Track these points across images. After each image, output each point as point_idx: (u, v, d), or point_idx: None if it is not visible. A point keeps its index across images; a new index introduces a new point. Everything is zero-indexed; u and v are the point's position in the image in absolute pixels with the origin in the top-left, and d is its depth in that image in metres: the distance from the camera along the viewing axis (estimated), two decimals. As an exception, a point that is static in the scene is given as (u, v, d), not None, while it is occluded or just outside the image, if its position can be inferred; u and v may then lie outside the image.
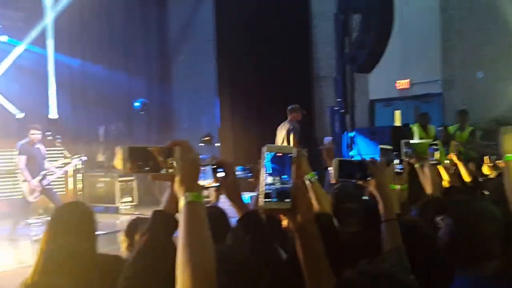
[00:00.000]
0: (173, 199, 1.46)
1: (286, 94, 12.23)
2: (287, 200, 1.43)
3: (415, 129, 9.37)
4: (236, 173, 3.77)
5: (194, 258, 1.31)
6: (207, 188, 1.99)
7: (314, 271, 1.47)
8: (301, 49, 13.02)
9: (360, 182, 2.27)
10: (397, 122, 11.95)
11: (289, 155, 1.45)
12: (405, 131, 9.37)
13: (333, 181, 3.23)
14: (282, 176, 1.44)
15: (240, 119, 11.72)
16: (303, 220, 1.44)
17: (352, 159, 2.30)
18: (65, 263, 2.13)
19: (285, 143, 9.10)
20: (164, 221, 1.52)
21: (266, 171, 1.44)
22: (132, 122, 12.68)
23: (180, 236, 1.37)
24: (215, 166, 1.95)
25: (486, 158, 5.39)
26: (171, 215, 1.51)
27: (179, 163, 1.43)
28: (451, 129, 9.54)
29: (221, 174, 1.93)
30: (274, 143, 10.77)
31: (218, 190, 2.00)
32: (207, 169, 1.97)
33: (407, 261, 1.93)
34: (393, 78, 11.87)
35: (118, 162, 1.49)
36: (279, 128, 9.54)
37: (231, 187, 1.93)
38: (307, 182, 2.82)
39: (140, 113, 12.24)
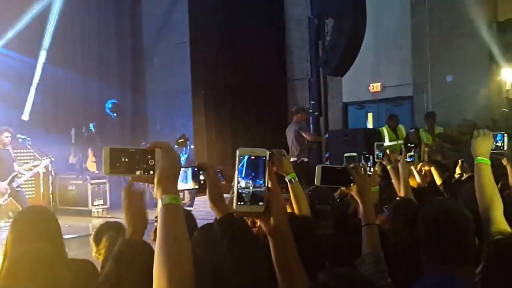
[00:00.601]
0: None
1: (261, 97, 12.29)
2: (261, 203, 1.43)
3: (385, 131, 9.52)
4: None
5: (171, 260, 1.30)
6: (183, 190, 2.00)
7: (287, 273, 1.47)
8: (276, 52, 13.10)
9: (342, 188, 2.35)
10: (370, 125, 12.14)
11: (263, 158, 1.44)
12: (378, 134, 9.55)
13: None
14: (256, 179, 1.43)
15: (214, 121, 11.71)
16: (277, 223, 1.44)
17: (335, 166, 2.32)
18: (30, 266, 2.09)
19: (294, 144, 9.03)
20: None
21: (239, 174, 1.43)
22: (105, 124, 12.51)
23: (157, 238, 1.36)
24: (196, 168, 1.96)
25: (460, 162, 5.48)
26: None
27: (159, 165, 1.43)
28: (420, 131, 9.74)
29: (202, 176, 1.93)
30: (248, 145, 10.76)
31: (195, 193, 2.02)
32: (188, 172, 1.99)
33: (385, 265, 1.97)
34: (366, 81, 12.05)
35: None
36: (286, 131, 9.51)
37: (213, 189, 1.91)
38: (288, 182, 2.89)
39: (113, 115, 12.10)
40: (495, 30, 10.99)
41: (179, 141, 11.79)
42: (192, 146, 12.11)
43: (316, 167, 2.17)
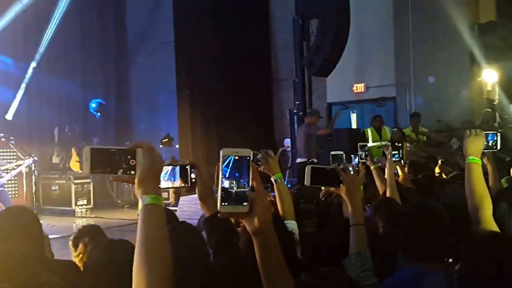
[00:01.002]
0: None
1: (246, 97, 12.32)
2: (245, 203, 1.43)
3: (369, 132, 9.62)
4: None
5: (150, 261, 1.30)
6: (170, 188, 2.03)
7: (270, 273, 1.47)
8: (261, 53, 13.13)
9: (332, 189, 2.35)
10: (354, 125, 12.24)
11: (247, 158, 1.45)
12: (362, 134, 9.65)
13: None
14: (240, 180, 1.43)
15: (199, 121, 11.70)
16: (261, 223, 1.43)
17: (324, 166, 2.34)
18: (9, 267, 2.06)
19: (303, 145, 9.00)
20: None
21: (223, 174, 1.43)
22: (88, 124, 12.44)
23: (137, 238, 1.35)
24: (187, 167, 1.98)
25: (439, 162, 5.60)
26: None
27: (140, 165, 1.42)
28: (405, 131, 9.86)
29: (193, 175, 1.96)
30: (234, 145, 10.78)
31: (185, 191, 2.05)
32: (176, 170, 2.00)
33: (371, 264, 2.01)
34: (350, 81, 12.14)
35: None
36: (296, 132, 9.55)
37: (203, 187, 1.97)
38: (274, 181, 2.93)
39: (97, 115, 12.03)
40: (476, 32, 11.15)
41: (164, 141, 11.78)
42: (177, 146, 12.11)
43: (306, 167, 2.20)
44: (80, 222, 9.52)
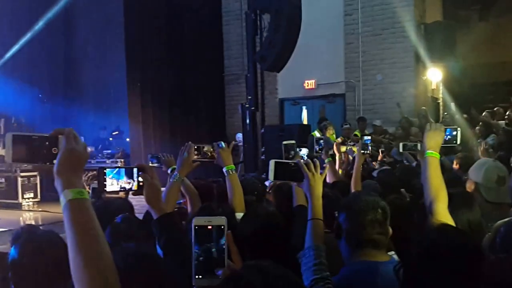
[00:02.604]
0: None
1: (198, 91, 12.29)
2: (219, 273, 1.36)
3: (317, 134, 9.78)
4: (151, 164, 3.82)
5: (90, 261, 1.18)
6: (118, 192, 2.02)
7: None
8: (213, 47, 13.11)
9: (294, 183, 2.40)
10: (305, 121, 12.44)
11: (221, 226, 1.38)
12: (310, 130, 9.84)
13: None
14: (213, 249, 1.37)
15: (150, 114, 11.55)
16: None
17: (288, 161, 2.37)
18: None
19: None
20: None
21: (194, 246, 1.37)
22: (36, 115, 12.07)
23: (68, 240, 1.22)
24: (134, 169, 1.96)
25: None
26: None
27: (60, 153, 1.29)
28: (356, 133, 10.16)
29: (140, 178, 1.94)
30: (186, 140, 10.74)
31: (132, 193, 2.04)
32: (122, 172, 1.97)
33: (324, 258, 2.03)
34: (301, 78, 12.31)
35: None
36: None
37: (151, 190, 1.94)
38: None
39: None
40: (422, 32, 11.55)
41: (114, 133, 11.61)
42: (127, 139, 11.95)
43: (270, 162, 2.21)
44: (27, 216, 9.31)
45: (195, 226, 1.37)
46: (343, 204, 2.24)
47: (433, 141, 2.37)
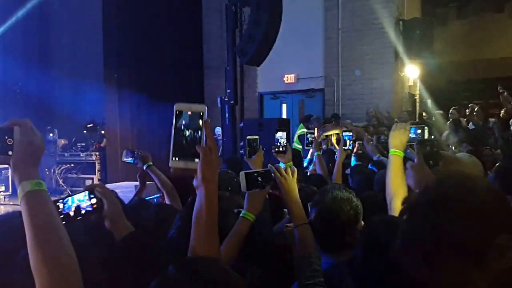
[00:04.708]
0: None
1: (177, 84, 12.14)
2: (196, 160, 1.41)
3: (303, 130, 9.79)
4: (126, 159, 3.70)
5: (50, 257, 1.15)
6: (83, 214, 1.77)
7: (203, 230, 1.45)
8: (193, 40, 12.98)
9: (270, 191, 2.29)
10: (284, 115, 12.42)
11: (200, 113, 1.43)
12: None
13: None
14: (192, 135, 1.42)
15: (128, 107, 11.36)
16: (205, 179, 1.43)
17: (257, 170, 2.31)
18: None
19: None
20: None
21: (175, 130, 1.41)
22: (7, 107, 11.74)
23: (27, 233, 1.18)
24: (86, 192, 1.77)
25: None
26: None
27: (16, 145, 1.27)
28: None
29: (95, 199, 1.76)
30: (162, 132, 10.63)
31: (90, 215, 1.79)
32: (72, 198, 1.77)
33: (319, 265, 1.98)
34: (281, 72, 12.28)
35: None
36: None
37: (112, 207, 1.77)
38: None
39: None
40: (401, 28, 11.61)
41: (88, 126, 11.39)
42: (102, 132, 11.74)
43: (240, 174, 2.15)
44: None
45: (176, 111, 1.41)
46: (315, 200, 2.22)
47: (397, 140, 2.40)
